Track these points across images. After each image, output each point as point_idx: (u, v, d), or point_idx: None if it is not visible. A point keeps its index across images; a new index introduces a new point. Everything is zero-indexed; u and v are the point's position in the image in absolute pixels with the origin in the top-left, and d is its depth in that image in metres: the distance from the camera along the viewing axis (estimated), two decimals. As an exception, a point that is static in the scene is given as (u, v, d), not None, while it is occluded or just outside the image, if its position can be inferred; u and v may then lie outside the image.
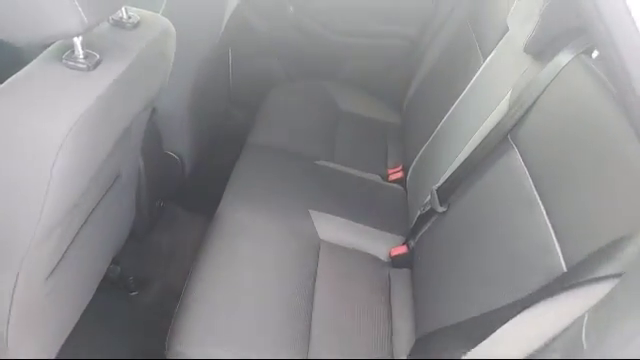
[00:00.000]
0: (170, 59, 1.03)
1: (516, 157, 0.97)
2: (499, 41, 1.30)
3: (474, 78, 1.33)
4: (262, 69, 2.04)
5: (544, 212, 0.80)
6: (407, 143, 1.66)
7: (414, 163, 1.49)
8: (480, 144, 1.11)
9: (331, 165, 1.53)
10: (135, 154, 1.23)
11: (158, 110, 1.44)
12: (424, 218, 1.24)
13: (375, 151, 1.69)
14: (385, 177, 1.57)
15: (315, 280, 1.19)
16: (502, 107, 1.09)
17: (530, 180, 0.89)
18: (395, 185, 1.53)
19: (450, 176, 1.18)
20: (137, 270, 1.50)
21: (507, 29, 1.28)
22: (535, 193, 0.86)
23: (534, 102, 0.98)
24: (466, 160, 1.14)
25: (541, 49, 1.04)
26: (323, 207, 1.34)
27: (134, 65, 0.83)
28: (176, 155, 1.56)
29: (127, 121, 0.96)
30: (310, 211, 1.32)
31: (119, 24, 0.87)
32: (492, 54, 1.29)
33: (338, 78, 2.01)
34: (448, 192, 1.17)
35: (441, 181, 1.22)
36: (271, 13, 1.94)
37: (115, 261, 1.43)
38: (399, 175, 1.55)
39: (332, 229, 1.31)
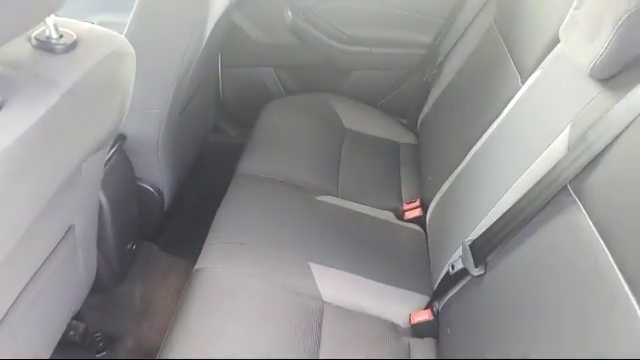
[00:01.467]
0: (127, 83, 0.79)
1: (580, 214, 0.74)
2: (543, 57, 1.05)
3: (513, 102, 1.08)
4: (256, 81, 1.80)
5: (625, 285, 0.61)
6: (425, 171, 1.41)
7: (435, 201, 1.25)
8: (528, 193, 0.86)
9: (335, 201, 1.29)
10: (92, 199, 0.98)
11: (128, 137, 1.20)
12: (453, 278, 1.00)
13: (387, 180, 1.44)
14: (400, 214, 1.33)
15: (318, 353, 0.95)
16: (558, 147, 0.85)
17: (602, 244, 0.68)
18: (412, 226, 1.29)
19: (487, 230, 0.93)
20: (105, 326, 1.26)
21: (553, 43, 1.03)
22: (610, 260, 0.65)
23: (607, 146, 0.73)
24: (509, 211, 0.89)
25: (614, 74, 0.80)
26: (326, 259, 1.10)
27: (61, 105, 0.58)
28: (152, 188, 1.32)
29: (65, 171, 0.73)
30: (311, 265, 1.08)
31: (45, 46, 0.63)
32: (536, 74, 1.04)
33: (342, 91, 1.77)
34: (485, 250, 0.92)
35: (474, 234, 0.98)
36: (266, 18, 1.69)
37: (79, 317, 1.19)
38: (417, 213, 1.31)
39: (338, 288, 1.07)
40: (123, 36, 0.75)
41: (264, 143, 1.44)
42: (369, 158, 1.53)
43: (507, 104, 1.12)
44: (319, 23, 1.68)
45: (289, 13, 1.65)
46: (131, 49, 0.75)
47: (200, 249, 1.14)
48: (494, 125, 1.11)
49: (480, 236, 0.95)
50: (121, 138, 1.20)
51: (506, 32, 1.28)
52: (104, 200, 1.11)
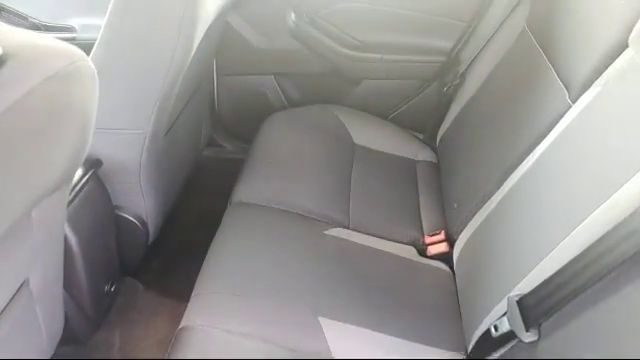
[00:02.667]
0: (84, 111, 0.60)
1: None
2: (601, 70, 0.87)
3: (564, 124, 0.90)
4: (255, 91, 1.62)
5: None
6: (449, 196, 1.23)
7: (465, 236, 1.07)
8: (598, 243, 0.68)
9: (347, 235, 1.10)
10: (53, 246, 0.80)
11: (104, 162, 1.02)
12: (496, 340, 0.82)
13: (405, 206, 1.26)
14: (422, 249, 1.15)
15: None
16: (638, 186, 0.67)
17: None
18: (438, 264, 1.10)
19: (541, 286, 0.75)
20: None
21: (615, 53, 0.85)
22: None
23: None
24: (571, 265, 0.71)
25: None
26: (339, 312, 0.91)
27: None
28: (133, 218, 1.14)
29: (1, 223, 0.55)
30: (320, 320, 0.89)
31: (-45, 64, 0.44)
32: (594, 90, 0.86)
33: (351, 103, 1.59)
34: (539, 311, 0.74)
35: (522, 287, 0.80)
36: (266, 21, 1.51)
37: (48, 373, 1.01)
38: (442, 248, 1.12)
39: (353, 346, 0.89)
40: (78, 49, 0.56)
41: (263, 164, 1.26)
42: (383, 179, 1.35)
43: (554, 124, 0.93)
44: (325, 27, 1.50)
45: (292, 16, 1.47)
46: (88, 66, 0.57)
47: (191, 285, 0.96)
48: (539, 150, 0.93)
49: (531, 292, 0.77)
50: (96, 164, 1.02)
51: (544, 38, 1.10)
52: (73, 239, 0.93)
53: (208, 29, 1.11)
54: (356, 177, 1.31)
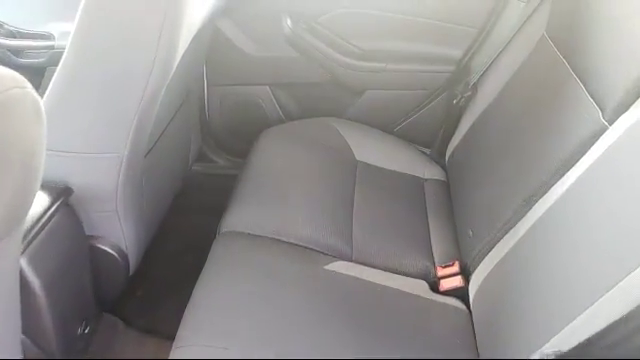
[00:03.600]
0: (27, 145, 0.48)
1: None
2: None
3: (600, 148, 0.78)
4: (249, 102, 1.50)
5: None
6: (462, 222, 1.11)
7: (483, 270, 0.95)
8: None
9: (350, 270, 0.98)
10: (4, 298, 0.68)
11: (75, 189, 0.90)
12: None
13: (413, 232, 1.14)
14: (434, 282, 1.03)
15: None
16: None
17: None
18: (452, 301, 0.98)
19: (584, 344, 0.63)
20: None
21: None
22: None
23: None
24: (622, 322, 0.59)
25: None
26: (343, 365, 0.79)
27: None
28: (111, 249, 1.02)
29: None
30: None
31: None
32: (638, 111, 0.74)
33: (352, 115, 1.47)
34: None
35: (558, 341, 0.68)
36: (260, 28, 1.39)
37: None
38: (457, 283, 1.00)
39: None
40: (18, 74, 0.45)
41: (255, 187, 1.14)
42: (389, 201, 1.23)
43: (587, 146, 0.82)
44: (324, 34, 1.38)
45: (288, 22, 1.35)
46: (29, 94, 0.45)
47: (178, 319, 0.85)
48: (572, 175, 0.81)
49: (572, 350, 0.65)
50: (65, 192, 0.90)
51: (569, 48, 0.99)
52: (36, 282, 0.81)
53: (195, 36, 0.99)
54: (359, 199, 1.19)
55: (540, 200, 0.87)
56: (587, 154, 0.80)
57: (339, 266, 0.98)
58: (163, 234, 1.29)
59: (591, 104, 0.85)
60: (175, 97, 1.12)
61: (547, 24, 1.11)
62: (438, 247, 1.12)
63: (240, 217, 1.05)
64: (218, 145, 1.59)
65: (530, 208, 0.89)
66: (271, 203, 1.10)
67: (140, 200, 1.03)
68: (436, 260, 1.08)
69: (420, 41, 1.38)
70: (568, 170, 0.83)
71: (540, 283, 0.78)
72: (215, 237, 1.06)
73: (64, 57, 0.80)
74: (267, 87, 1.49)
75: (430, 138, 1.44)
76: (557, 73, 0.99)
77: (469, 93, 1.31)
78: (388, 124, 1.47)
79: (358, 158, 1.33)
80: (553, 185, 0.85)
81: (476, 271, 0.98)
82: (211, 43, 1.34)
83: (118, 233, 1.01)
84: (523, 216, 0.90)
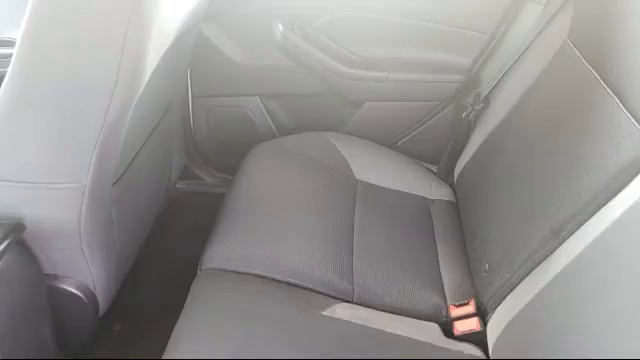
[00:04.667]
0: None
1: None
2: None
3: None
4: (238, 114, 1.38)
5: None
6: (476, 253, 0.99)
7: (505, 318, 0.82)
8: None
9: (351, 315, 0.86)
10: None
11: (29, 225, 0.77)
12: None
13: (421, 263, 1.02)
14: (447, 322, 0.90)
15: None
16: None
17: None
18: (469, 348, 0.86)
19: None
20: None
21: None
22: None
23: None
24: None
25: None
26: None
27: None
28: (77, 289, 0.89)
29: None
30: None
31: None
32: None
33: (351, 129, 1.35)
34: None
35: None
36: (249, 33, 1.27)
37: None
38: (473, 325, 0.88)
39: None
40: None
41: (243, 213, 1.01)
42: (393, 226, 1.10)
43: (630, 174, 0.69)
44: (319, 40, 1.26)
45: (279, 27, 1.23)
46: None
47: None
48: (616, 208, 0.69)
49: None
50: (17, 229, 0.76)
51: (598, 57, 0.86)
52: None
53: (173, 43, 0.86)
54: (360, 225, 1.06)
55: (572, 236, 0.74)
56: (633, 183, 0.68)
57: (339, 311, 0.85)
58: (145, 260, 1.16)
59: (630, 122, 0.72)
60: (152, 113, 0.99)
61: (570, 29, 0.99)
62: (450, 281, 0.99)
63: (223, 251, 0.92)
64: (204, 161, 1.47)
65: (560, 244, 0.76)
66: (259, 233, 0.97)
67: (110, 233, 0.90)
68: (448, 297, 0.95)
69: (425, 48, 1.26)
70: (607, 202, 0.71)
71: (578, 335, 0.65)
72: (198, 271, 0.93)
73: (9, 70, 0.67)
74: (257, 98, 1.37)
75: (436, 155, 1.32)
76: (584, 86, 0.86)
77: (480, 106, 1.18)
78: (390, 139, 1.35)
79: (358, 177, 1.20)
80: (588, 220, 0.73)
81: (495, 313, 0.86)
82: (195, 51, 1.21)
83: (84, 271, 0.88)
84: (550, 253, 0.77)
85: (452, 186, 1.26)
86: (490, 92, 1.18)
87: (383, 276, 0.95)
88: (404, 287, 0.95)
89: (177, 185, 1.42)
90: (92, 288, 0.90)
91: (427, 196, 1.22)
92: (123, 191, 0.92)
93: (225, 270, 0.89)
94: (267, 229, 0.98)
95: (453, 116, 1.27)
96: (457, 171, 1.23)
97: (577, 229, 0.75)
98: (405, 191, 1.22)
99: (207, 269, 0.89)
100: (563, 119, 0.90)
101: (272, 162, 1.19)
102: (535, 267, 0.80)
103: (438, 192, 1.24)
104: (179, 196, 1.43)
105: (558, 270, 0.74)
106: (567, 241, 0.75)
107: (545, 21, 1.08)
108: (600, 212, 0.72)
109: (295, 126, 1.36)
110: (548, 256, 0.78)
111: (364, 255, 0.98)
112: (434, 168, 1.34)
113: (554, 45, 1.02)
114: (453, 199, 1.23)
